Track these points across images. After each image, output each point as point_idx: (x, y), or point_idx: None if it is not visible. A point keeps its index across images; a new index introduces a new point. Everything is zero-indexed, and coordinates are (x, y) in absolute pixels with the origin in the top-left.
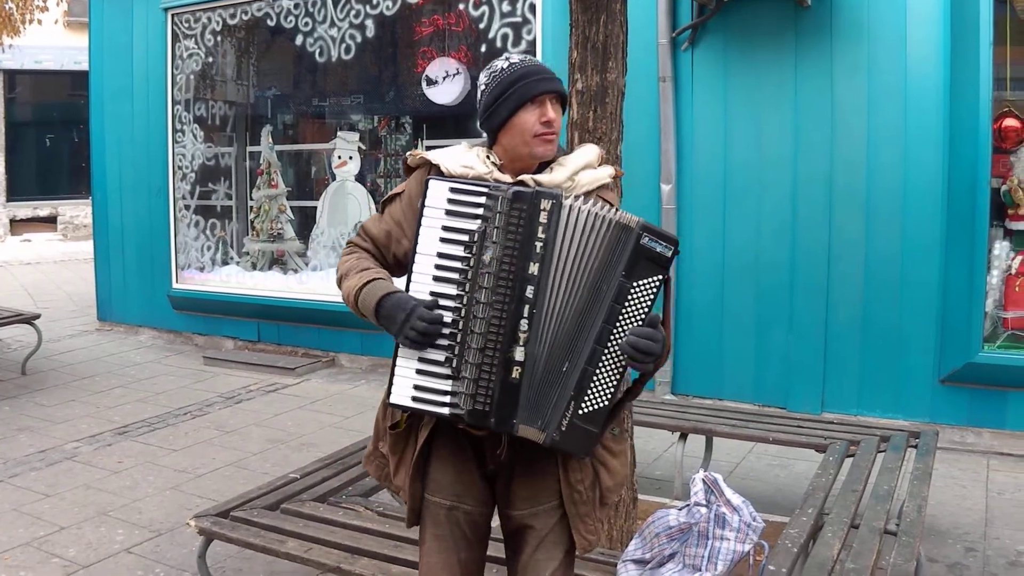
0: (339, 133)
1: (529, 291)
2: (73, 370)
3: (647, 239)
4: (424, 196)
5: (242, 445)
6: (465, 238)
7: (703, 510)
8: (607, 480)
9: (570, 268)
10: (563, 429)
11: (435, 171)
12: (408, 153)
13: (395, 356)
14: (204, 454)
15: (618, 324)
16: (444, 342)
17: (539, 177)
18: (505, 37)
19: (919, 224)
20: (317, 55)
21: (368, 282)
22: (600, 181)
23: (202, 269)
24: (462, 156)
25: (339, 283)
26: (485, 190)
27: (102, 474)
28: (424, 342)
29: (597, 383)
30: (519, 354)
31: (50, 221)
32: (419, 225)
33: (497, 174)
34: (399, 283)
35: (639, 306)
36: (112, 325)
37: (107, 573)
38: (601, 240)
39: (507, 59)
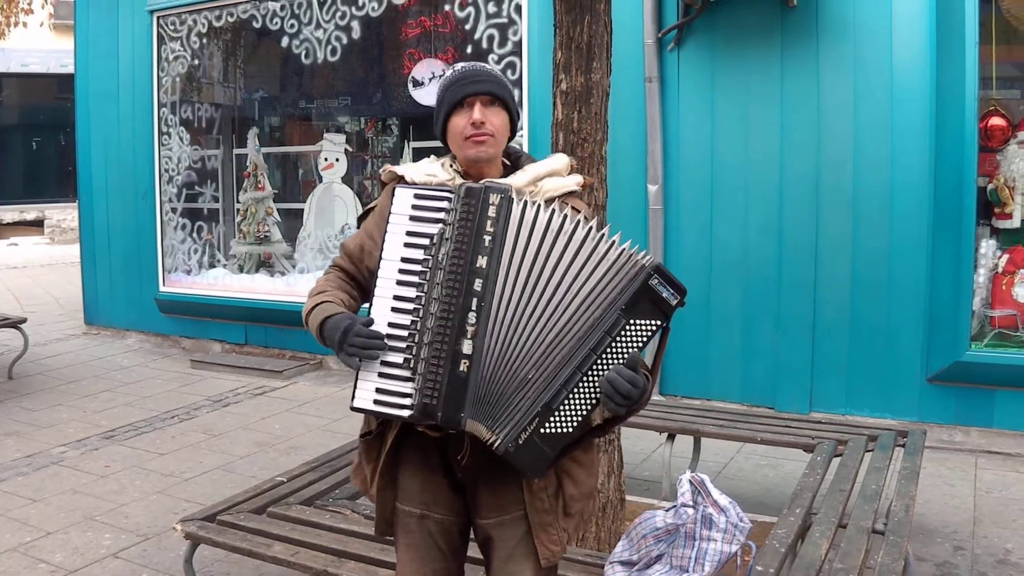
0: (326, 135)
1: (477, 284)
2: (60, 374)
3: (656, 281)
4: (391, 204)
5: (229, 449)
6: (426, 242)
7: (690, 511)
8: (571, 489)
9: (528, 265)
10: (520, 442)
11: (401, 182)
12: (381, 169)
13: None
14: (191, 458)
15: (603, 356)
16: (402, 344)
17: (498, 181)
18: (491, 38)
19: (906, 223)
20: (303, 57)
21: (316, 305)
22: (566, 188)
23: (189, 272)
24: (426, 166)
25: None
26: (446, 194)
27: (89, 479)
28: (364, 356)
29: (567, 407)
30: (467, 347)
31: (37, 225)
32: (385, 232)
33: (459, 180)
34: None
35: (629, 345)
36: (99, 329)
37: None
38: (569, 244)
39: (452, 67)
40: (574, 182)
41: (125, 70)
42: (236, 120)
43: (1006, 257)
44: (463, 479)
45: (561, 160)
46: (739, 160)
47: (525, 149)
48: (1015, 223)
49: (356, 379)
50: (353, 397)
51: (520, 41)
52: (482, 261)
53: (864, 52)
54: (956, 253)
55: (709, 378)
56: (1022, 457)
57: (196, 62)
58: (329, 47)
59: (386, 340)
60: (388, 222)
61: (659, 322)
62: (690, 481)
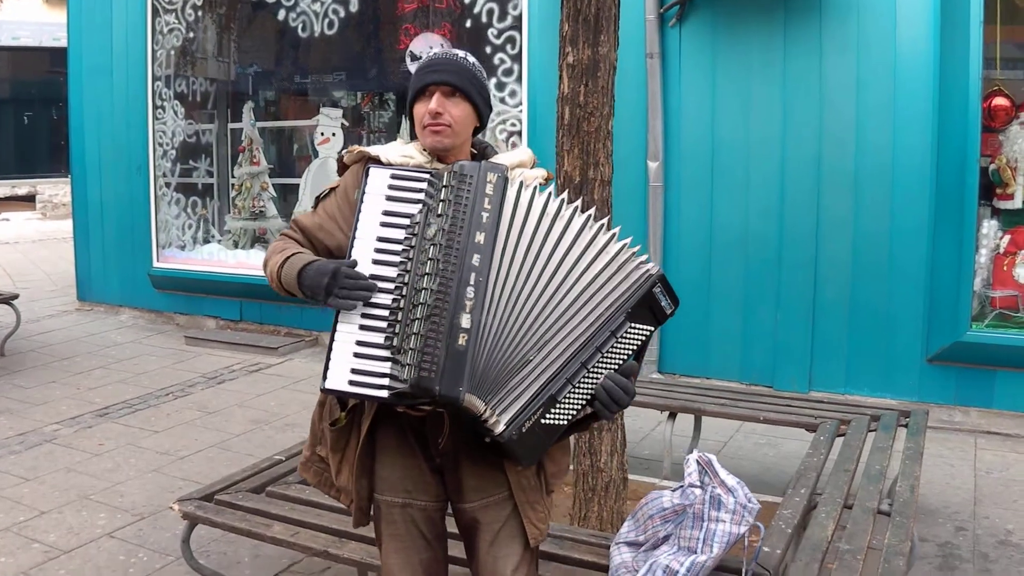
0: (322, 109)
1: (475, 259)
2: (53, 351)
3: (659, 289)
4: (364, 184)
5: (225, 426)
6: (406, 221)
7: (698, 491)
8: (550, 467)
9: (525, 245)
10: (523, 430)
11: (373, 163)
12: (344, 150)
13: (331, 341)
14: (186, 435)
15: (605, 356)
16: (382, 323)
17: (492, 161)
18: (491, 12)
19: (908, 203)
20: (300, 30)
21: (288, 258)
22: (533, 179)
23: (183, 248)
24: (401, 148)
25: (264, 268)
26: (427, 176)
27: (83, 457)
28: (355, 298)
29: (567, 401)
30: (465, 321)
31: (29, 200)
32: (358, 212)
33: (437, 164)
34: None
35: (624, 349)
36: (92, 305)
37: (89, 558)
38: (567, 229)
39: (432, 50)
40: (540, 175)
41: (119, 43)
42: (231, 94)
43: (1007, 238)
44: (442, 463)
45: (526, 153)
46: (740, 138)
47: (524, 123)
48: (1017, 204)
49: (328, 358)
50: (324, 377)
51: (520, 15)
52: (480, 237)
53: (867, 30)
54: (958, 234)
55: (708, 357)
56: (1022, 438)
57: (191, 35)
58: (326, 20)
59: (363, 318)
60: (361, 201)
61: (652, 328)
62: (697, 461)
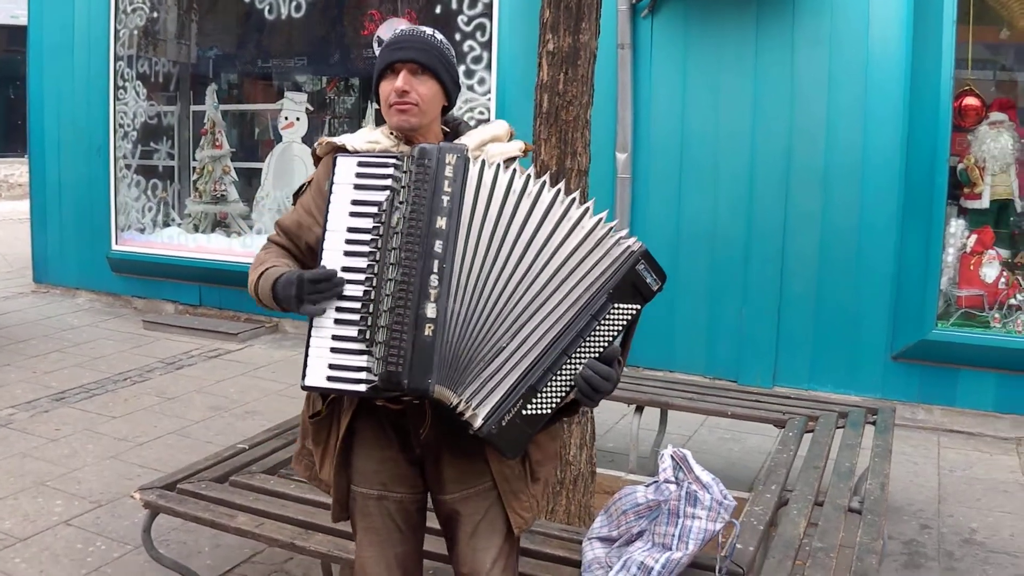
0: (286, 94)
1: (438, 245)
2: (8, 333)
3: (643, 266)
4: (332, 174)
5: (184, 412)
6: (374, 209)
7: (672, 487)
8: (535, 454)
9: (491, 226)
10: (503, 424)
11: (341, 152)
12: (316, 143)
13: (308, 336)
14: (145, 422)
15: (587, 341)
16: (355, 316)
17: (453, 142)
18: None
19: (876, 200)
20: (266, 12)
21: (261, 274)
22: (509, 153)
23: (143, 231)
24: (367, 134)
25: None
26: (392, 160)
27: (39, 442)
28: (324, 300)
29: (549, 390)
30: (430, 311)
31: None
32: (328, 203)
33: (404, 147)
34: None
35: (608, 331)
36: (48, 287)
37: (45, 546)
38: (535, 206)
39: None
40: (516, 148)
41: (81, 21)
42: (194, 75)
43: (974, 237)
44: (422, 454)
45: (502, 126)
46: (710, 131)
47: (493, 111)
48: (984, 203)
49: (306, 355)
50: (304, 375)
51: (491, 2)
52: (441, 222)
53: (840, 27)
54: (926, 232)
55: (673, 350)
56: (984, 436)
57: (155, 15)
58: (293, 3)
59: (337, 312)
60: (331, 192)
61: (638, 307)
62: (672, 456)
